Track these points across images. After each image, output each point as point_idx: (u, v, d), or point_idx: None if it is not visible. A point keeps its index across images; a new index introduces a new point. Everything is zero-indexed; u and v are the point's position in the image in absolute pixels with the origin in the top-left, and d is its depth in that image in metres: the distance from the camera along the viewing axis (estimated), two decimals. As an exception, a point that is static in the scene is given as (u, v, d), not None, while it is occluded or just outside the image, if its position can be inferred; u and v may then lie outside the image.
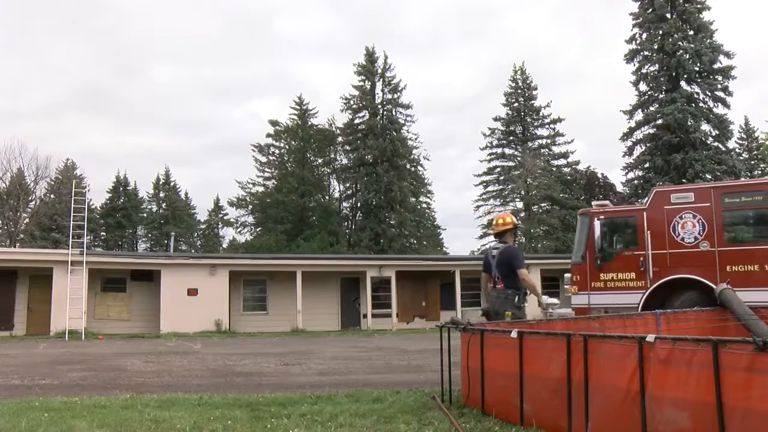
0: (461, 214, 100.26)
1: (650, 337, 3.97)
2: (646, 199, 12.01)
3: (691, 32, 36.12)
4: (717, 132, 36.06)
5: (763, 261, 10.45)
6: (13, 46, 73.47)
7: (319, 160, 50.47)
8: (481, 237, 49.58)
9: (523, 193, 47.23)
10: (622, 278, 11.29)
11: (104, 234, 57.52)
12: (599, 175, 46.22)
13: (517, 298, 7.01)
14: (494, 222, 7.67)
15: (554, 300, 12.84)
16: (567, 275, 12.48)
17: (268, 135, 49.15)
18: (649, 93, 37.92)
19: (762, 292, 10.29)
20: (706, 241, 10.84)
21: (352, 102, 47.19)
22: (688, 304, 9.94)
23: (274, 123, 49.20)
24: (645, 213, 11.41)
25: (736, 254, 10.68)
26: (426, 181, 50.54)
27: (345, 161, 48.86)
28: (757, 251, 10.60)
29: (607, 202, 12.80)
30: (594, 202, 12.80)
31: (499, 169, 48.26)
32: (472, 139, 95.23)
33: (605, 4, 74.55)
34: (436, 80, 76.18)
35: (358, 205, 47.92)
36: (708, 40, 35.62)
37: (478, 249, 49.94)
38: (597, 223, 11.50)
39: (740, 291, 10.10)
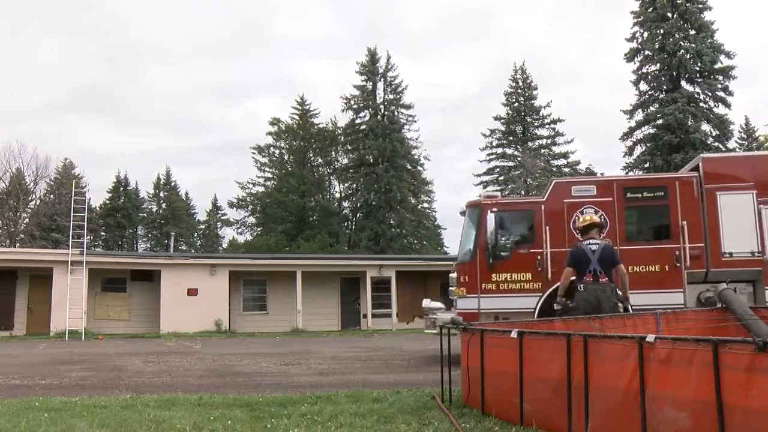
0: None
1: (650, 337, 3.97)
2: (545, 190, 10.99)
3: (692, 32, 36.13)
4: (717, 132, 36.07)
5: (665, 261, 9.96)
6: (11, 46, 73.54)
7: (320, 160, 50.50)
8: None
9: (523, 193, 47.19)
10: (517, 279, 10.21)
11: (104, 234, 57.51)
12: (599, 175, 46.20)
13: (617, 292, 7.60)
14: (582, 218, 8.09)
15: (438, 304, 11.67)
16: (453, 275, 10.99)
17: (269, 133, 49.26)
18: (649, 93, 37.93)
19: (667, 294, 9.82)
20: (608, 239, 9.98)
21: (353, 102, 47.24)
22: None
23: (275, 122, 49.29)
24: (543, 206, 10.42)
25: (638, 253, 10.04)
26: (426, 180, 50.63)
27: (345, 161, 48.93)
28: (659, 251, 10.07)
29: (497, 193, 11.42)
30: (482, 193, 11.44)
31: (499, 169, 48.26)
32: (472, 138, 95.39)
33: (605, 3, 74.60)
34: (434, 80, 76.19)
35: (358, 205, 47.93)
36: (709, 40, 35.63)
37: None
38: (489, 217, 10.23)
39: (643, 293, 9.47)
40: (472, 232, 10.69)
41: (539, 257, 10.20)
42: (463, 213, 11.44)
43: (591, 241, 7.65)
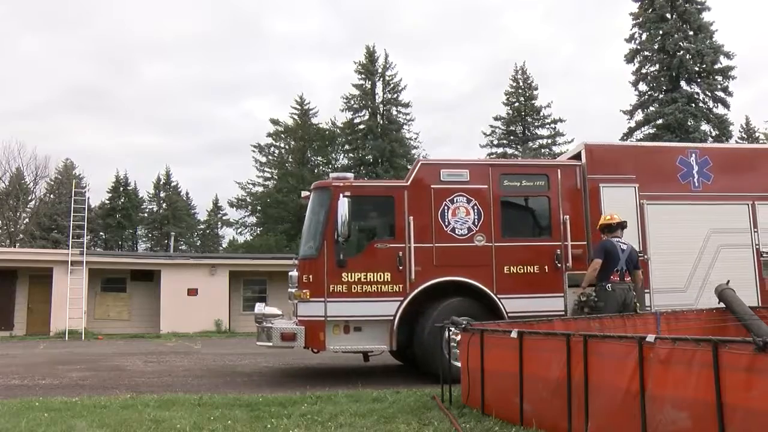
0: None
1: (650, 337, 3.97)
2: (409, 172, 9.28)
3: (692, 32, 36.20)
4: (717, 132, 36.13)
5: (545, 261, 8.75)
6: (10, 45, 73.51)
7: (319, 160, 50.53)
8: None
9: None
10: (373, 280, 8.53)
11: (104, 234, 57.49)
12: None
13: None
14: (611, 215, 8.07)
15: (274, 310, 10.02)
16: (293, 274, 9.38)
17: (269, 134, 49.31)
18: (649, 93, 38.00)
19: (546, 299, 8.62)
20: (482, 234, 8.76)
21: (352, 102, 47.29)
22: (447, 314, 7.76)
23: (275, 122, 49.34)
24: (406, 192, 8.81)
25: (515, 252, 8.80)
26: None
27: (345, 161, 48.95)
28: (538, 249, 8.87)
29: (349, 174, 9.32)
30: (332, 174, 9.43)
31: (498, 169, 48.25)
32: (469, 138, 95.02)
33: (603, 3, 74.53)
34: (430, 78, 75.93)
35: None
36: (708, 41, 35.70)
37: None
38: (342, 202, 8.37)
39: (520, 299, 8.53)
40: (318, 221, 8.91)
41: (400, 253, 8.57)
42: (306, 198, 9.76)
43: (619, 240, 7.68)
